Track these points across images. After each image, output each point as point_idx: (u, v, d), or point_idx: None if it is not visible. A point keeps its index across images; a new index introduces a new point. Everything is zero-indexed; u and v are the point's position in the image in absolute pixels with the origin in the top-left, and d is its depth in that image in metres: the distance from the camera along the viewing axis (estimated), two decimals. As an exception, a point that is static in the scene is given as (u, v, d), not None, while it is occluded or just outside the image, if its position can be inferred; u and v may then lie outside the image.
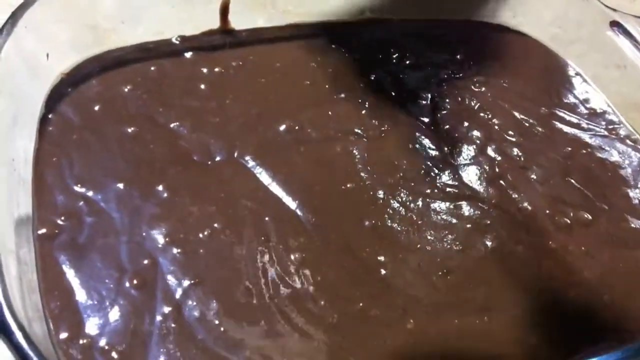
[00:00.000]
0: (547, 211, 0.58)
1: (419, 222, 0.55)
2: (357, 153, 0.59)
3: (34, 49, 0.55)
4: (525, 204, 0.58)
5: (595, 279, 0.54)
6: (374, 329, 0.48)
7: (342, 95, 0.64)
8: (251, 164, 0.56)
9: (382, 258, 0.52)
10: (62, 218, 0.50)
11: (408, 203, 0.57)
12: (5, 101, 0.50)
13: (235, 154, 0.57)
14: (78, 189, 0.52)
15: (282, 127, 0.60)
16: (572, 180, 0.61)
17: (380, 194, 0.56)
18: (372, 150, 0.60)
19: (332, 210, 0.54)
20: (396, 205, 0.56)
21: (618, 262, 0.56)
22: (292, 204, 0.54)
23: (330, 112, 0.62)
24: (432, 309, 0.50)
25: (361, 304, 0.49)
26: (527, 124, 0.66)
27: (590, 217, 0.58)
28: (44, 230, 0.48)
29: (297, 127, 0.60)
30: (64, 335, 0.44)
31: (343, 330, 0.48)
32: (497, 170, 0.61)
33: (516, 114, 0.66)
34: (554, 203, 0.59)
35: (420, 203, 0.57)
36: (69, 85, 0.57)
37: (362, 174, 0.58)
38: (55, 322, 0.45)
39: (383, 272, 0.51)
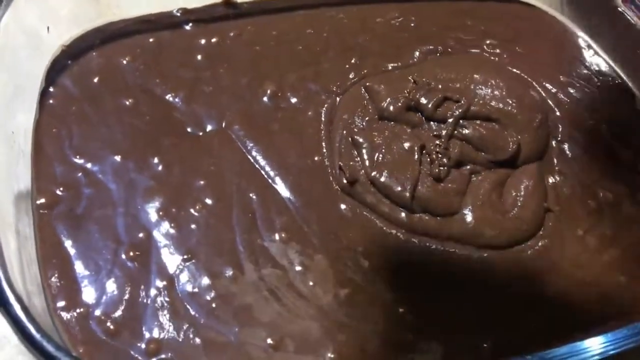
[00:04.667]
0: (581, 194, 0.57)
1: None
2: (324, 117, 0.59)
3: (35, 22, 0.55)
4: (563, 189, 0.57)
5: (614, 261, 0.54)
6: (364, 311, 0.49)
7: (331, 55, 0.63)
8: (237, 134, 0.57)
9: (366, 245, 0.52)
10: (61, 188, 0.51)
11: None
12: (6, 74, 0.51)
13: (224, 124, 0.57)
14: (77, 160, 0.53)
15: (267, 94, 0.59)
16: (600, 157, 0.60)
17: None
18: (340, 109, 0.59)
19: (306, 188, 0.54)
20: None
21: (637, 244, 0.55)
22: (271, 179, 0.55)
23: (313, 73, 0.61)
24: (427, 295, 0.50)
25: (350, 288, 0.50)
26: (553, 90, 0.64)
27: (616, 198, 0.57)
28: (42, 200, 0.50)
29: (279, 93, 0.59)
30: (61, 303, 0.46)
31: (333, 311, 0.48)
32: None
33: (539, 77, 0.64)
34: (587, 184, 0.58)
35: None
36: (69, 58, 0.58)
37: (324, 148, 0.57)
38: (52, 290, 0.46)
39: (372, 259, 0.51)
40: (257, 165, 0.55)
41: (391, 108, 0.58)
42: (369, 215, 0.54)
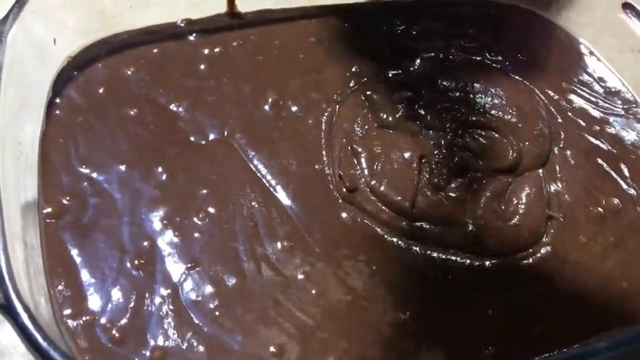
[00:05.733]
0: (584, 201, 0.57)
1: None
2: (324, 126, 0.59)
3: (41, 34, 0.56)
4: (566, 196, 0.57)
5: (618, 267, 0.54)
6: (366, 318, 0.49)
7: (333, 63, 0.63)
8: (238, 143, 0.57)
9: (368, 253, 0.52)
10: (67, 198, 0.52)
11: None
12: (14, 86, 0.51)
13: (226, 133, 0.58)
14: (83, 170, 0.53)
15: (268, 102, 0.60)
16: (603, 163, 0.60)
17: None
18: (340, 117, 0.59)
19: (307, 196, 0.55)
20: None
21: (640, 250, 0.55)
22: (273, 188, 0.55)
23: (314, 81, 0.62)
24: (429, 302, 0.51)
25: (352, 296, 0.50)
26: (555, 97, 0.64)
27: (620, 205, 0.57)
28: (49, 210, 0.51)
29: (281, 102, 0.60)
30: (67, 311, 0.47)
31: (335, 319, 0.49)
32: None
33: (540, 84, 0.65)
34: (589, 190, 0.58)
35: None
36: (75, 69, 0.59)
37: (325, 156, 0.57)
38: (58, 299, 0.47)
39: (374, 267, 0.52)
40: (258, 174, 0.55)
41: (390, 118, 0.59)
42: (370, 223, 0.54)
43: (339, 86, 0.62)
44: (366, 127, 0.59)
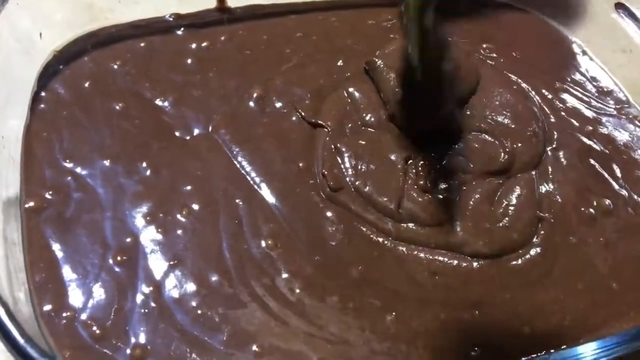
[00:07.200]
0: (575, 202, 0.56)
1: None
2: (308, 124, 0.58)
3: (27, 28, 0.55)
4: (557, 197, 0.57)
5: (608, 269, 0.54)
6: (351, 319, 0.49)
7: (319, 58, 0.63)
8: (223, 138, 0.56)
9: (353, 253, 0.52)
10: (50, 192, 0.51)
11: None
12: (-1, 80, 0.51)
13: (210, 128, 0.57)
14: (66, 164, 0.53)
15: (253, 97, 0.59)
16: (595, 164, 0.59)
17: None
18: (324, 115, 0.58)
19: (291, 194, 0.54)
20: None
21: (631, 250, 0.55)
22: (257, 185, 0.54)
23: (299, 76, 0.61)
24: (415, 303, 0.50)
25: (337, 296, 0.49)
26: (549, 96, 0.64)
27: (611, 205, 0.57)
28: (31, 204, 0.50)
29: (265, 97, 0.59)
30: (47, 307, 0.46)
31: (320, 319, 0.48)
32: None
33: (535, 83, 0.64)
34: (581, 191, 0.57)
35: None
36: (60, 62, 0.58)
37: (308, 154, 0.57)
38: (39, 294, 0.46)
39: (359, 267, 0.51)
40: (243, 171, 0.55)
41: (373, 119, 0.58)
42: (355, 222, 0.53)
43: (324, 81, 0.61)
44: (349, 125, 0.58)
